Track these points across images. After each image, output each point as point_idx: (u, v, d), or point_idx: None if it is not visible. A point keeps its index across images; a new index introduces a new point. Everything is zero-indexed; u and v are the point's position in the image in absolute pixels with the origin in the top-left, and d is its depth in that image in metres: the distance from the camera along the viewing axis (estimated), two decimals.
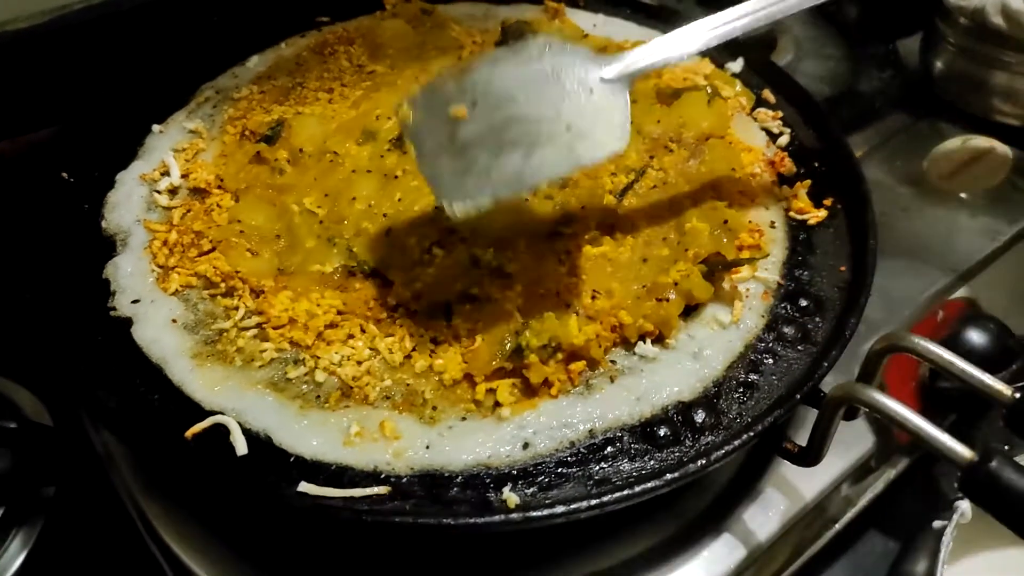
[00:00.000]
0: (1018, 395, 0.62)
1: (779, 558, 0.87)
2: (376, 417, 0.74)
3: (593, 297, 0.82)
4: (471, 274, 0.81)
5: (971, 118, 1.26)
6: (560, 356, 0.77)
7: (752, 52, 1.14)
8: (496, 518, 0.65)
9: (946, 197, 1.16)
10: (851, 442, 0.90)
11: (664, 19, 1.22)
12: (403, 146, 0.97)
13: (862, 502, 0.93)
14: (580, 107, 0.76)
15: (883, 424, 0.91)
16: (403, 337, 0.78)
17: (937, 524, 0.87)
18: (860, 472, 0.90)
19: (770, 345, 0.81)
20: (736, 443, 0.70)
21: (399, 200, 0.89)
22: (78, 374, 0.76)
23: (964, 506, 0.85)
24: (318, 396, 0.76)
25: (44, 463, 0.98)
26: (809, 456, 0.73)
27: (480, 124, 0.75)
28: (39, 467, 0.98)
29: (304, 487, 0.68)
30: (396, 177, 0.92)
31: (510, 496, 0.68)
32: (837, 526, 0.90)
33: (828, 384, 0.76)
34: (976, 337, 0.96)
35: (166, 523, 0.84)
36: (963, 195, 1.16)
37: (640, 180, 0.94)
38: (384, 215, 0.88)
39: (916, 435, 0.60)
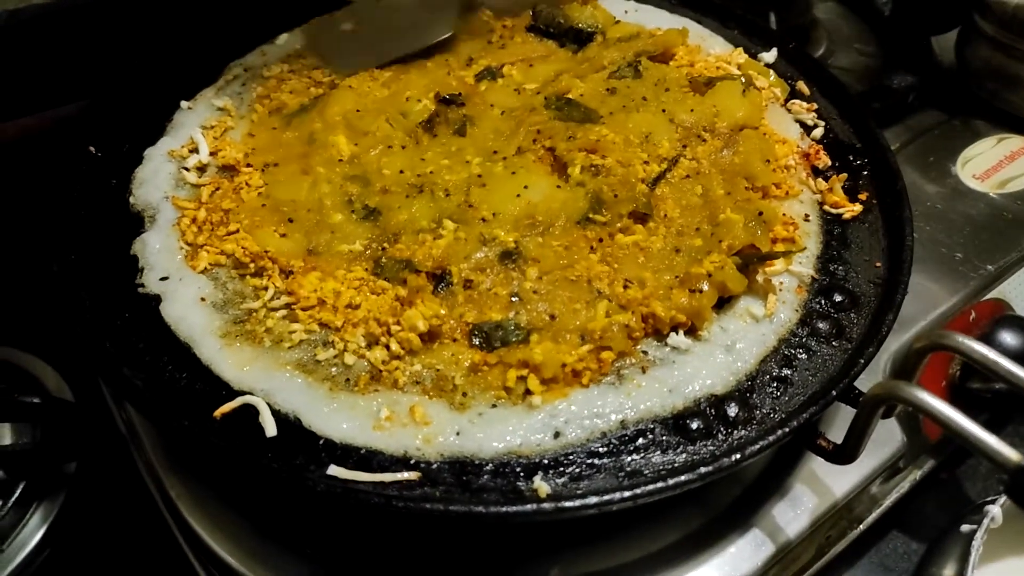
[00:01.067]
0: None
1: (803, 557, 0.86)
2: (406, 402, 0.73)
3: (625, 286, 0.81)
4: (476, 255, 0.82)
5: (1007, 116, 1.24)
6: (590, 346, 0.76)
7: (786, 43, 1.12)
8: (528, 507, 0.65)
9: (979, 196, 1.14)
10: (883, 441, 0.88)
11: (694, 6, 1.20)
12: (433, 129, 0.96)
13: (887, 502, 0.92)
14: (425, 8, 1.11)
15: (914, 423, 0.90)
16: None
17: (966, 528, 0.86)
18: (890, 471, 0.89)
19: (804, 340, 0.80)
20: (771, 439, 0.69)
21: (430, 172, 0.90)
22: (105, 351, 0.76)
23: (995, 510, 0.83)
24: (347, 379, 0.75)
25: (66, 439, 0.98)
26: (844, 454, 0.72)
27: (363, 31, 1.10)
28: (61, 443, 0.98)
29: (334, 470, 0.67)
30: (423, 160, 0.92)
31: (541, 485, 0.67)
32: (862, 526, 0.89)
33: (860, 382, 0.76)
34: (1009, 338, 0.94)
35: (186, 500, 0.83)
36: (996, 194, 1.14)
37: (673, 169, 0.92)
38: (409, 184, 0.89)
39: (962, 436, 0.59)
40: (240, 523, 0.81)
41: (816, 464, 0.84)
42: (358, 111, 0.97)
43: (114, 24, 1.02)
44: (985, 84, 1.26)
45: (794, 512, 0.83)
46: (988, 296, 1.02)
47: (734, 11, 1.19)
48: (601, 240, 0.85)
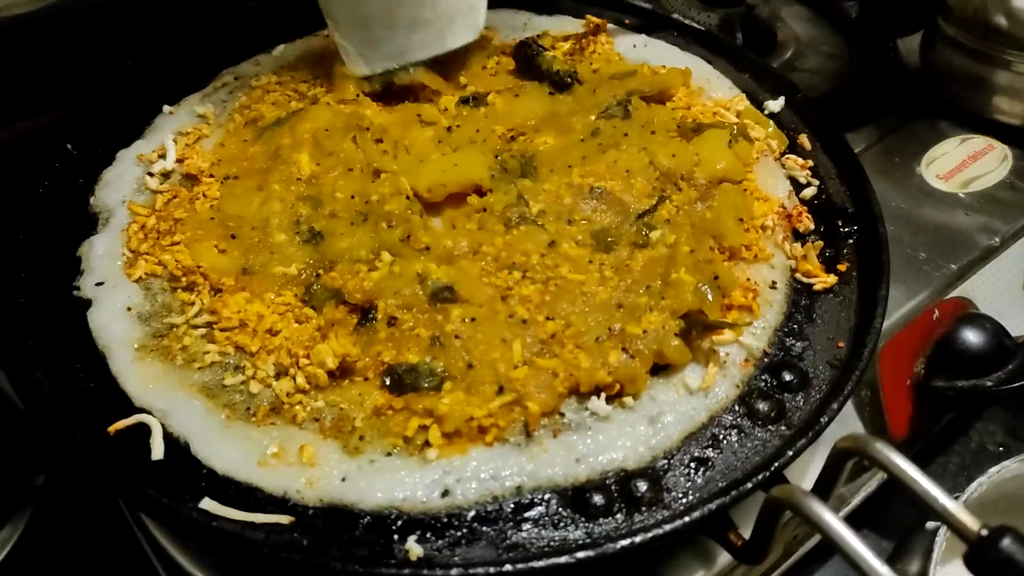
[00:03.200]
0: (985, 532, 0.53)
1: (770, 557, 0.81)
2: (299, 439, 0.70)
3: (548, 318, 0.77)
4: (406, 291, 0.78)
5: (970, 117, 1.23)
6: (508, 397, 0.73)
7: (795, 92, 1.05)
8: (384, 571, 0.61)
9: (943, 196, 1.13)
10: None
11: (710, 46, 1.15)
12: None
13: (855, 500, 0.92)
14: (452, 5, 1.00)
15: (879, 422, 0.91)
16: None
17: (931, 525, 0.86)
18: (854, 472, 0.88)
19: (738, 420, 0.74)
20: (667, 528, 0.64)
21: (376, 200, 0.87)
22: (23, 351, 0.76)
23: None
24: (248, 408, 0.73)
25: (33, 452, 0.97)
26: (751, 553, 0.66)
27: (379, 5, 0.98)
28: (28, 455, 0.97)
29: (207, 504, 0.65)
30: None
31: (413, 547, 0.64)
32: None
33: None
34: (972, 337, 0.95)
35: None
36: (961, 194, 1.13)
37: (657, 210, 0.87)
38: (356, 211, 0.86)
39: (923, 501, 0.56)
40: None
41: None
42: (327, 130, 0.96)
43: (89, 35, 1.03)
44: (948, 85, 1.25)
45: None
46: (952, 295, 1.02)
47: (747, 54, 1.12)
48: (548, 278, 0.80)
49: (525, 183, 0.89)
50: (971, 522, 0.55)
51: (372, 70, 0.98)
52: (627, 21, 1.20)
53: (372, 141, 0.94)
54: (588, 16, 1.16)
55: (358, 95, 1.02)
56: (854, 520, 0.94)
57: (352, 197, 0.88)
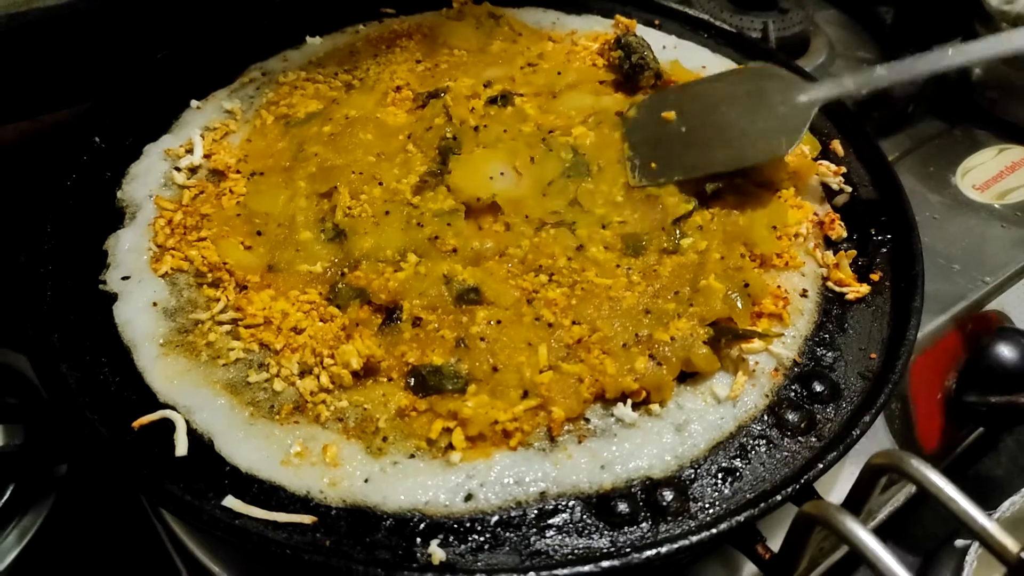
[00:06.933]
0: None
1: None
2: (322, 439, 0.70)
3: (575, 323, 0.76)
4: (431, 292, 0.78)
5: (1008, 126, 1.22)
6: (533, 401, 0.72)
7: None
8: (406, 575, 0.60)
9: (978, 207, 1.11)
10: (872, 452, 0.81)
11: (740, 47, 1.13)
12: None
13: (882, 515, 0.91)
14: (768, 119, 0.90)
15: (908, 433, 0.90)
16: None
17: (960, 542, 0.86)
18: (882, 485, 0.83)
19: (767, 430, 0.73)
20: (694, 539, 0.63)
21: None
22: (50, 345, 0.76)
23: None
24: (272, 406, 0.73)
25: (57, 441, 0.97)
26: (780, 567, 0.65)
27: (681, 126, 0.93)
28: (51, 444, 0.96)
29: (230, 502, 0.65)
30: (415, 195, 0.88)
31: (435, 551, 0.63)
32: None
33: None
34: (1006, 352, 0.94)
35: None
36: (996, 205, 1.11)
37: (686, 219, 0.86)
38: (387, 212, 0.86)
39: (957, 517, 0.56)
40: None
41: None
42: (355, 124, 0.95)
43: (113, 29, 1.02)
44: (986, 93, 1.23)
45: (781, 525, 0.75)
46: (986, 308, 1.00)
47: (779, 57, 1.11)
48: (576, 282, 0.80)
49: None
50: (1011, 544, 0.54)
51: (654, 182, 0.88)
52: (657, 22, 1.18)
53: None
54: (617, 16, 1.15)
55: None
56: (880, 534, 0.92)
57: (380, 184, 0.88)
